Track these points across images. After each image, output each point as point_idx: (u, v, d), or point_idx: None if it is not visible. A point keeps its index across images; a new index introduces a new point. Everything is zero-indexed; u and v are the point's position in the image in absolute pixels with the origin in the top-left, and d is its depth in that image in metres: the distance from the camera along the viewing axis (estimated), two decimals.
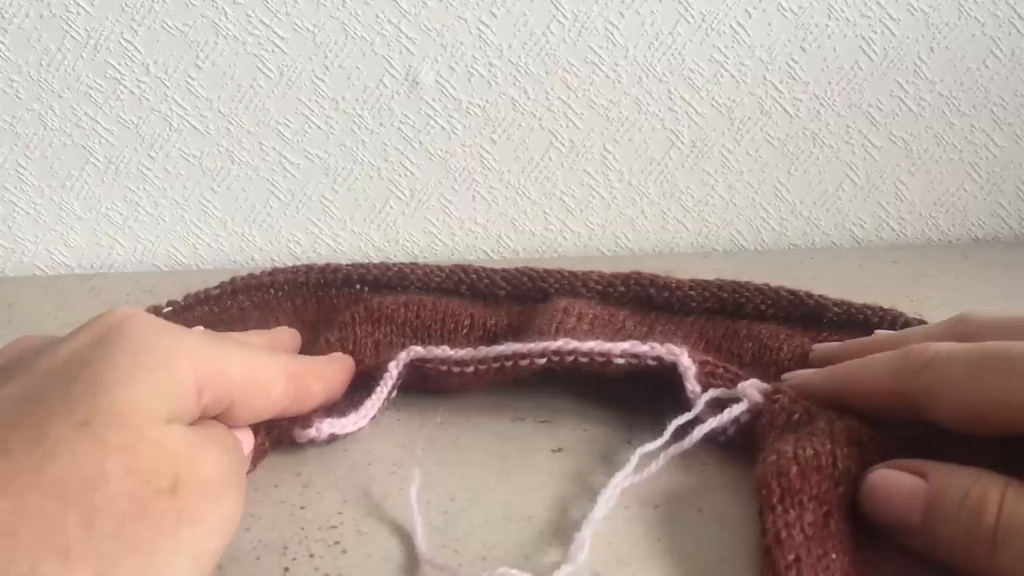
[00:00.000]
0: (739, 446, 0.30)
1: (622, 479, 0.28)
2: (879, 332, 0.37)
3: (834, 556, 0.24)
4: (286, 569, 0.27)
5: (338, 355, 0.35)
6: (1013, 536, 0.22)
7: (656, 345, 0.32)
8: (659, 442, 0.29)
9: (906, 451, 0.28)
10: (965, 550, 0.23)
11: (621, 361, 0.32)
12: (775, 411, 0.29)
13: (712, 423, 0.30)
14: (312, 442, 0.32)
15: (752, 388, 0.30)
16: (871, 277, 0.50)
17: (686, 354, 0.32)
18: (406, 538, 0.27)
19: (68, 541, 0.20)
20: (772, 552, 0.24)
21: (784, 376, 0.33)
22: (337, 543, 0.28)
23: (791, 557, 0.24)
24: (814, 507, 0.25)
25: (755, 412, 0.30)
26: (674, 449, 0.29)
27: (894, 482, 0.26)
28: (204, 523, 0.23)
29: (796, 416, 0.29)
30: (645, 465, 0.29)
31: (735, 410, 0.30)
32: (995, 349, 0.25)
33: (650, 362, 0.32)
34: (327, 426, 0.32)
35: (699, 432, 0.29)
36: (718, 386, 0.31)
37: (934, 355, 0.27)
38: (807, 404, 0.29)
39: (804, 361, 0.35)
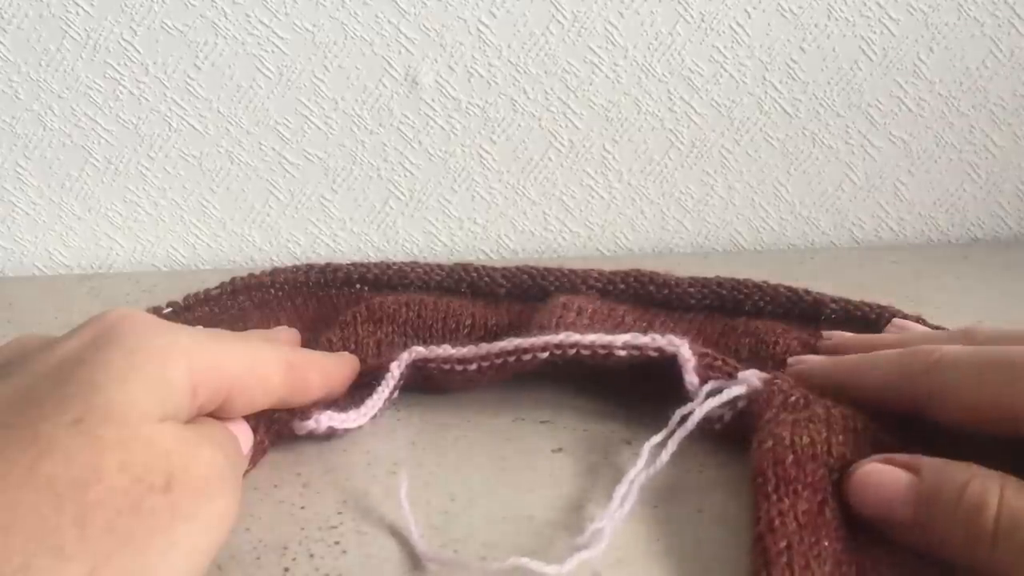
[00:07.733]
0: (736, 438, 0.30)
1: (636, 474, 0.28)
2: (894, 324, 0.37)
3: (827, 544, 0.24)
4: (286, 569, 0.26)
5: (343, 353, 0.35)
6: (1014, 530, 0.22)
7: (657, 336, 0.32)
8: (663, 434, 0.29)
9: (901, 441, 0.28)
10: (963, 544, 0.23)
11: (623, 353, 0.32)
12: (772, 392, 0.29)
13: (710, 404, 0.30)
14: (311, 435, 0.32)
15: (752, 375, 0.30)
16: (871, 277, 0.50)
17: (686, 345, 0.32)
18: (406, 538, 0.27)
19: (62, 538, 0.20)
20: (764, 539, 0.24)
21: (791, 360, 0.33)
22: (337, 543, 0.28)
23: (782, 544, 0.24)
24: (809, 495, 0.25)
25: (753, 399, 0.30)
26: (678, 434, 0.29)
27: (886, 476, 0.25)
28: (198, 520, 0.23)
29: (793, 399, 0.29)
30: (651, 461, 0.29)
31: (733, 391, 0.30)
32: (999, 353, 0.26)
33: (651, 353, 0.32)
34: (326, 418, 0.32)
35: (699, 413, 0.29)
36: (717, 378, 0.31)
37: (940, 357, 0.27)
38: (804, 391, 0.29)
39: (800, 354, 0.35)
